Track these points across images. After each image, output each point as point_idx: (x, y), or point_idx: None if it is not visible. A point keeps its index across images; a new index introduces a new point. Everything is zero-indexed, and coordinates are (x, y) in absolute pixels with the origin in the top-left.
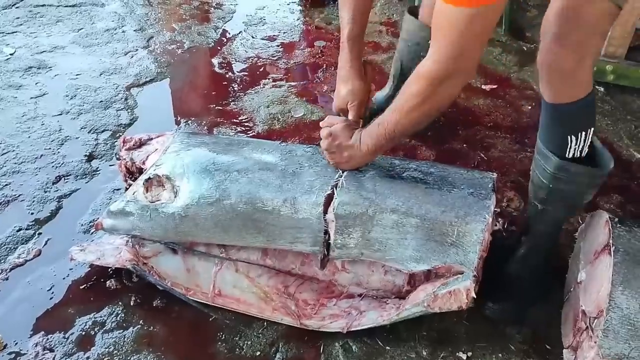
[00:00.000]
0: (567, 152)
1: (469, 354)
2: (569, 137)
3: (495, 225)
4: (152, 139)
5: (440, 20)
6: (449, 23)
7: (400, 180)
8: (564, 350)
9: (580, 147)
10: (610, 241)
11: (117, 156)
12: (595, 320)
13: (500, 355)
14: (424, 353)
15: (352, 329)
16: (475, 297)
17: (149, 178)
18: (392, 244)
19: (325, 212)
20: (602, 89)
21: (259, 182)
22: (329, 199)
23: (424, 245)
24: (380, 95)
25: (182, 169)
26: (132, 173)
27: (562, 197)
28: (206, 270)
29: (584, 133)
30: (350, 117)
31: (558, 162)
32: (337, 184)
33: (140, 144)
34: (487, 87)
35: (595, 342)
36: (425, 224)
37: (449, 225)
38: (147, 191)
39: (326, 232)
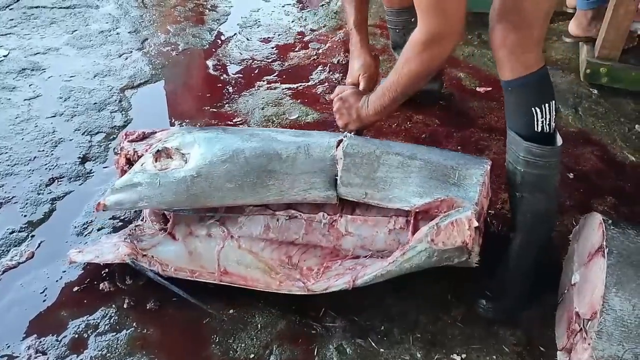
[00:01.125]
0: (536, 126)
1: (463, 355)
2: (533, 109)
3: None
4: (155, 132)
5: None
6: None
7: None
8: (558, 352)
9: (548, 120)
10: (604, 243)
11: (116, 150)
12: (589, 322)
13: (494, 357)
14: (418, 355)
15: (359, 281)
16: (477, 225)
17: (158, 150)
18: (396, 182)
19: None
20: (595, 92)
21: (271, 139)
22: (339, 145)
23: (427, 183)
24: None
25: (192, 139)
26: (132, 164)
27: (534, 180)
28: (208, 250)
29: (547, 105)
30: (361, 88)
31: (526, 146)
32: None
33: (144, 137)
34: (481, 90)
35: (589, 344)
36: (428, 166)
37: (451, 169)
38: (156, 161)
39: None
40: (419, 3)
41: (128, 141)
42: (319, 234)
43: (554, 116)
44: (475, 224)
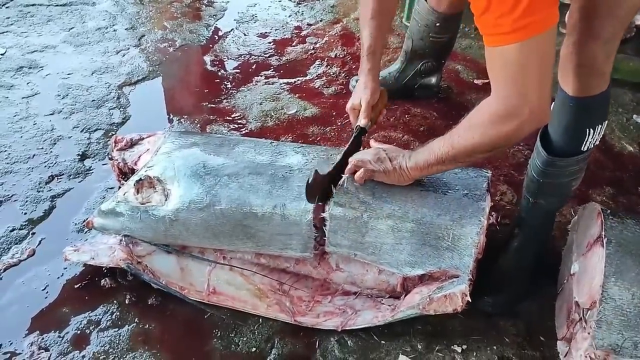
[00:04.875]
0: (584, 145)
1: (464, 346)
2: (587, 129)
3: (489, 219)
4: (143, 138)
5: (492, 64)
6: (501, 64)
7: (395, 195)
8: (558, 342)
9: (595, 139)
10: (603, 233)
11: (110, 156)
12: (589, 312)
13: (494, 347)
14: (419, 346)
15: (347, 328)
16: (470, 300)
17: (140, 179)
18: (386, 248)
19: (323, 208)
20: None
21: (248, 187)
22: (327, 195)
23: (419, 250)
24: (390, 69)
25: (173, 172)
26: (125, 174)
27: (552, 189)
28: (200, 269)
29: (600, 126)
30: (361, 110)
31: (547, 158)
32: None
33: (132, 144)
34: (479, 82)
35: (588, 333)
36: (421, 228)
37: (444, 229)
38: (137, 192)
39: (323, 225)
40: (494, 71)
41: (117, 150)
42: (310, 265)
43: (601, 135)
44: (469, 298)
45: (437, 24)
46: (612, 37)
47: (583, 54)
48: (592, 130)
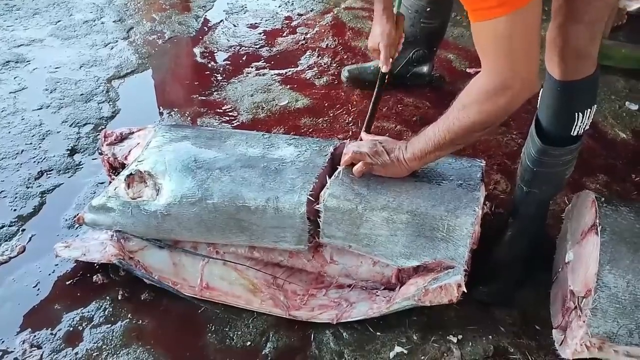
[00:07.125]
0: (573, 130)
1: (460, 337)
2: (576, 114)
3: (483, 208)
4: (133, 132)
5: (480, 39)
6: (489, 38)
7: (389, 187)
8: (553, 331)
9: (585, 124)
10: (597, 221)
11: (100, 151)
12: (584, 300)
13: (490, 337)
14: (415, 337)
15: (342, 321)
16: (465, 290)
17: (131, 174)
18: (381, 240)
19: (317, 198)
20: None
21: (241, 180)
22: (322, 185)
23: (414, 242)
24: None
25: (164, 166)
26: (115, 168)
27: (546, 178)
28: (193, 263)
29: (589, 110)
30: (381, 57)
31: (543, 148)
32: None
33: (122, 138)
34: (472, 71)
35: (584, 322)
36: (416, 219)
37: (439, 220)
38: (128, 187)
39: (317, 217)
40: (483, 46)
41: (107, 144)
42: (304, 258)
43: (590, 119)
44: (464, 289)
45: (427, 9)
46: (596, 19)
47: (568, 37)
48: (580, 115)
